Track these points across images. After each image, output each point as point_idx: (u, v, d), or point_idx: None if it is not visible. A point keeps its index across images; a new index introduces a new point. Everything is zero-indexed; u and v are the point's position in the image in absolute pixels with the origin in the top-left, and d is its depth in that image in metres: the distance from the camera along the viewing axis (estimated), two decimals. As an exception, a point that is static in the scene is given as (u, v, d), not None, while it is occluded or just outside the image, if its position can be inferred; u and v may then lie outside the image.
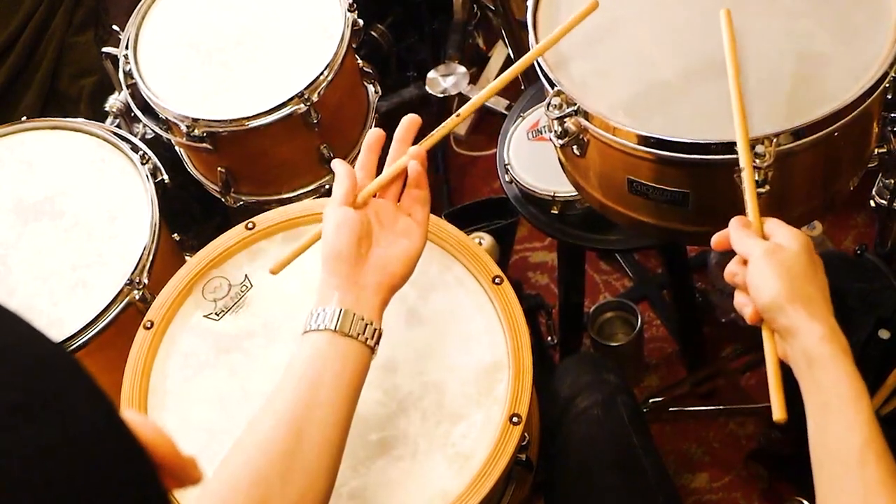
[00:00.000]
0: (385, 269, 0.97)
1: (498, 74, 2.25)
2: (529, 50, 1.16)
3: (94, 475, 0.41)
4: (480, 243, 1.35)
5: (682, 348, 1.87)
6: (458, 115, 1.08)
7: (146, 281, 1.33)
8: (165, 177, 1.46)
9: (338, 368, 0.90)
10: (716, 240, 0.95)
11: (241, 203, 1.62)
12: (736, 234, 0.93)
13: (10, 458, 0.38)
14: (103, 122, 1.61)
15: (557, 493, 1.24)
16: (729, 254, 0.94)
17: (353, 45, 1.55)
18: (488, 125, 2.19)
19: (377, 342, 0.94)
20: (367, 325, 0.93)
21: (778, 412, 0.87)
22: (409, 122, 1.05)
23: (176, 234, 1.57)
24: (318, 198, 1.59)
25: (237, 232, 1.22)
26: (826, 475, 0.83)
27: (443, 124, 1.07)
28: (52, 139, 1.51)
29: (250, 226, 1.22)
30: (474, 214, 1.60)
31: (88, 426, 0.42)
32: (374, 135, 1.05)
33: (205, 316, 1.17)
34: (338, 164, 1.03)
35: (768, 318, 0.89)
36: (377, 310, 0.95)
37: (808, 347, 0.85)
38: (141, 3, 1.60)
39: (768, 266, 0.87)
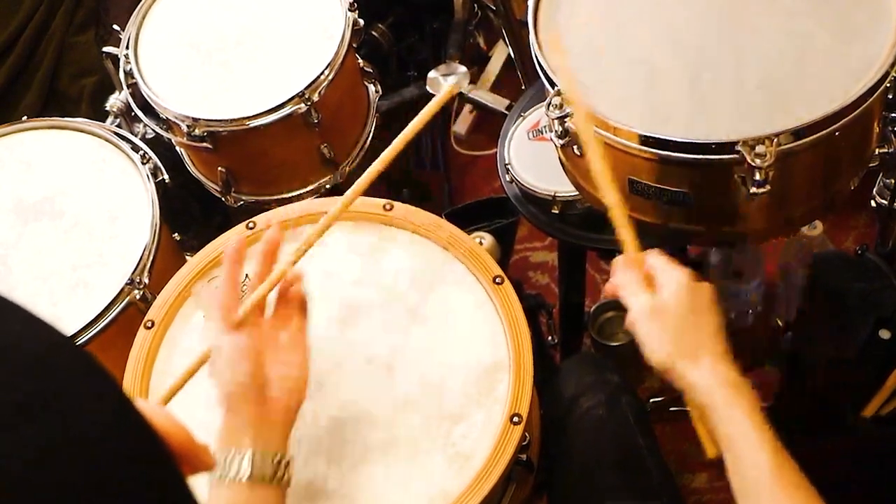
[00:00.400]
0: (289, 395, 0.92)
1: (499, 74, 2.26)
2: (530, 49, 1.16)
3: (98, 475, 0.40)
4: (481, 243, 1.35)
5: (683, 348, 1.87)
6: (342, 204, 1.02)
7: (147, 281, 1.32)
8: (166, 176, 1.46)
9: None
10: (607, 290, 0.98)
11: (242, 203, 1.62)
12: (619, 283, 0.95)
13: (11, 459, 0.37)
14: (104, 121, 1.61)
15: (560, 493, 1.24)
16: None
17: (354, 45, 1.55)
18: (489, 125, 2.19)
19: (290, 473, 0.90)
20: (281, 462, 0.88)
21: (709, 450, 0.94)
22: (273, 235, 0.99)
23: (176, 234, 1.57)
24: (318, 197, 1.59)
25: (238, 231, 1.22)
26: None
27: (325, 217, 1.02)
28: (52, 139, 1.51)
29: (251, 225, 1.22)
30: (475, 214, 1.60)
31: (92, 424, 0.41)
32: (234, 246, 0.96)
33: (205, 316, 1.17)
34: (200, 289, 0.98)
35: (664, 373, 0.93)
36: (286, 439, 0.91)
37: (703, 398, 0.90)
38: (141, 3, 1.60)
39: (651, 332, 0.91)
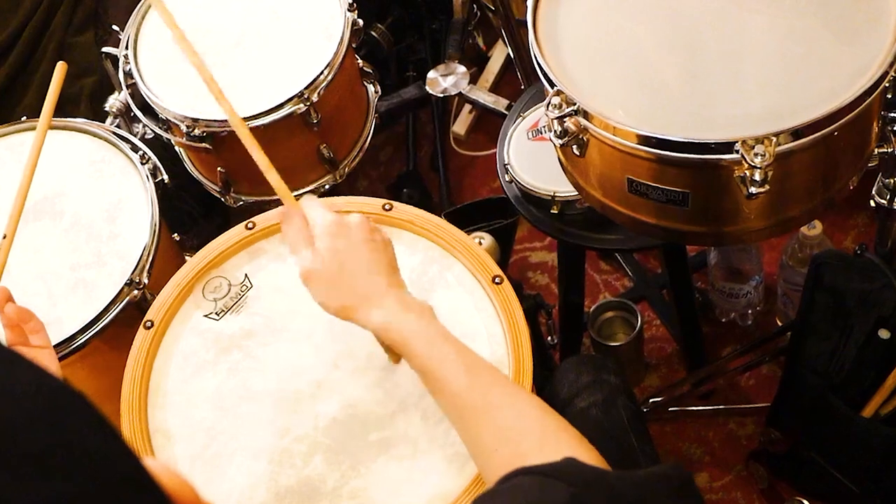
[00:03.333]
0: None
1: (498, 74, 2.26)
2: (530, 49, 1.16)
3: None
4: (480, 243, 1.35)
5: (682, 348, 1.87)
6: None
7: (146, 281, 1.33)
8: (165, 177, 1.46)
9: None
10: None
11: (241, 203, 1.63)
12: (287, 240, 0.97)
13: None
14: (103, 122, 1.61)
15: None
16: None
17: (353, 45, 1.56)
18: (488, 125, 2.19)
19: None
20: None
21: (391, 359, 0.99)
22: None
23: (176, 234, 1.57)
24: (318, 197, 1.59)
25: (237, 232, 1.22)
26: (461, 425, 0.90)
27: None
28: (52, 139, 1.51)
29: (250, 225, 1.22)
30: (474, 214, 1.60)
31: (107, 482, 0.39)
32: None
33: (205, 316, 1.17)
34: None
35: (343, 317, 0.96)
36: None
37: (389, 337, 0.93)
38: (141, 3, 1.60)
39: (316, 290, 0.94)
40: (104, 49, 1.64)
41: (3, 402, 0.38)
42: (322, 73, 1.47)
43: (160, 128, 1.58)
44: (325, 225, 0.95)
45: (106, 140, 1.49)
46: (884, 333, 1.31)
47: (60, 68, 1.37)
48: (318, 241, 0.95)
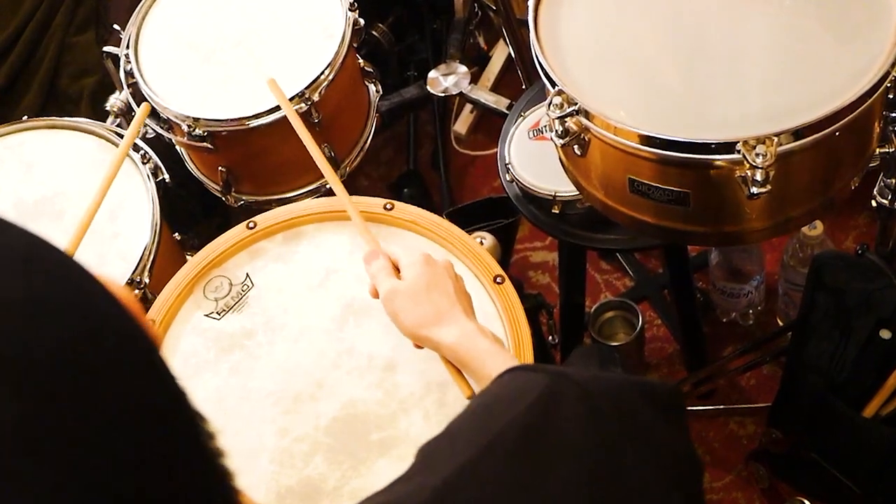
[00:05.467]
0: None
1: (499, 73, 2.26)
2: (531, 49, 1.16)
3: (111, 357, 0.40)
4: (482, 243, 1.35)
5: (683, 348, 1.87)
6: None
7: (147, 280, 1.33)
8: (166, 176, 1.46)
9: None
10: (371, 292, 1.03)
11: (242, 202, 1.62)
12: (371, 273, 1.03)
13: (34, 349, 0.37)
14: (104, 121, 1.60)
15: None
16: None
17: (354, 45, 1.55)
18: (489, 125, 2.19)
19: None
20: None
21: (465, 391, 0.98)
22: None
23: (177, 234, 1.57)
24: (318, 197, 1.59)
25: (238, 231, 1.22)
26: None
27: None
28: (52, 139, 1.51)
29: (251, 225, 1.22)
30: (475, 214, 1.60)
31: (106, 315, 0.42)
32: None
33: (206, 315, 1.17)
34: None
35: (418, 344, 0.99)
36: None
37: (454, 353, 0.94)
38: (142, 3, 1.60)
39: (394, 310, 0.98)
40: (105, 48, 1.64)
41: None
42: (323, 72, 1.47)
43: (161, 127, 1.58)
44: (414, 257, 1.01)
45: (107, 140, 1.49)
46: (885, 334, 1.32)
47: (145, 108, 1.41)
48: (405, 270, 1.00)
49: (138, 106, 1.59)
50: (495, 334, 0.96)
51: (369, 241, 1.09)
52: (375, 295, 1.02)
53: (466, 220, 1.50)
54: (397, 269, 1.02)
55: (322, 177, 1.60)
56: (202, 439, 0.44)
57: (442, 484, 0.59)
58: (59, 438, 0.37)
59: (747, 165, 1.00)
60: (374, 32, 2.06)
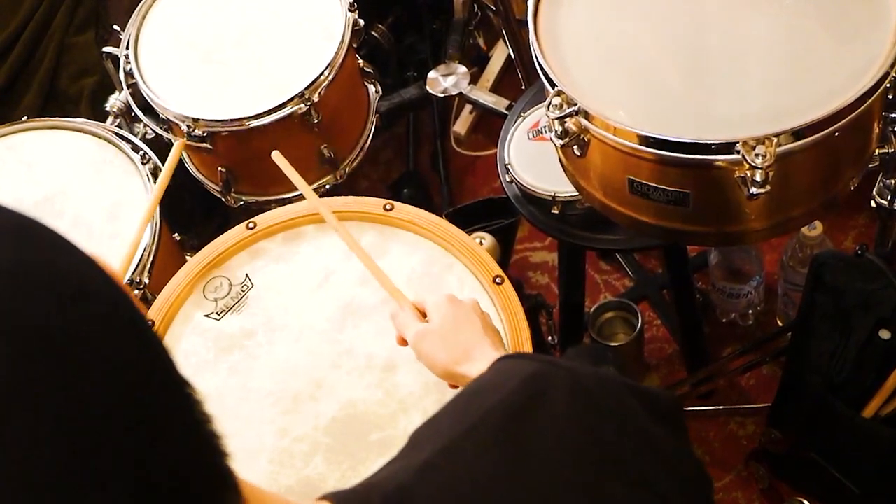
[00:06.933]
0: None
1: (499, 74, 2.26)
2: (530, 49, 1.16)
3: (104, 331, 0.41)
4: (481, 243, 1.35)
5: (683, 348, 1.87)
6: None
7: (147, 281, 1.33)
8: (166, 177, 1.46)
9: None
10: (398, 342, 1.03)
11: (242, 203, 1.62)
12: (399, 325, 1.02)
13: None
14: (104, 121, 1.61)
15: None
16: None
17: (354, 45, 1.55)
18: (488, 125, 2.19)
19: None
20: None
21: None
22: None
23: (177, 234, 1.57)
24: (319, 198, 1.59)
25: (238, 232, 1.22)
26: None
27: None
28: (52, 139, 1.51)
29: (251, 225, 1.22)
30: (475, 214, 1.60)
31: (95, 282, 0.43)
32: None
33: (206, 315, 1.17)
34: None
35: (453, 384, 0.99)
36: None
37: None
38: (141, 3, 1.60)
39: (425, 352, 0.97)
40: (105, 49, 1.64)
41: None
42: (323, 73, 1.47)
43: (161, 128, 1.58)
44: (439, 299, 1.00)
45: (107, 140, 1.49)
46: (884, 334, 1.31)
47: (179, 145, 1.44)
48: (431, 313, 0.99)
49: (138, 107, 1.59)
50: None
51: (391, 292, 1.07)
52: (403, 343, 1.01)
53: (466, 220, 1.50)
54: (423, 313, 1.01)
55: (321, 177, 1.61)
56: (190, 403, 0.45)
57: (424, 464, 0.59)
58: (50, 396, 0.38)
59: (747, 166, 1.00)
60: (373, 33, 2.06)
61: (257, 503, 0.51)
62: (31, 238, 0.43)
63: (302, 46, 1.53)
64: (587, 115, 1.09)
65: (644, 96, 1.12)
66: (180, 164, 1.66)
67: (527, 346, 1.06)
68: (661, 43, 1.16)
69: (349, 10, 1.52)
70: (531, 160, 1.45)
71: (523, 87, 1.88)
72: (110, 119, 1.65)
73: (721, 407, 1.83)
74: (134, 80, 1.54)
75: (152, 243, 1.36)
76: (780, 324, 1.86)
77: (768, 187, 1.01)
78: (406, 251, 1.18)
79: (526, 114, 1.51)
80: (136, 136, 1.57)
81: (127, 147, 1.46)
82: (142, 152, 1.45)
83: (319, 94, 1.47)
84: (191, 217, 1.87)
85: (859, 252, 1.34)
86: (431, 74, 1.78)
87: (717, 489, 1.75)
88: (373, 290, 1.16)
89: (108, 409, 0.39)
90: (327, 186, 1.61)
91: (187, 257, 1.40)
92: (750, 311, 1.89)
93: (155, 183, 1.42)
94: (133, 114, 1.61)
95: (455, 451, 0.60)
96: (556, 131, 1.12)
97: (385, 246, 1.19)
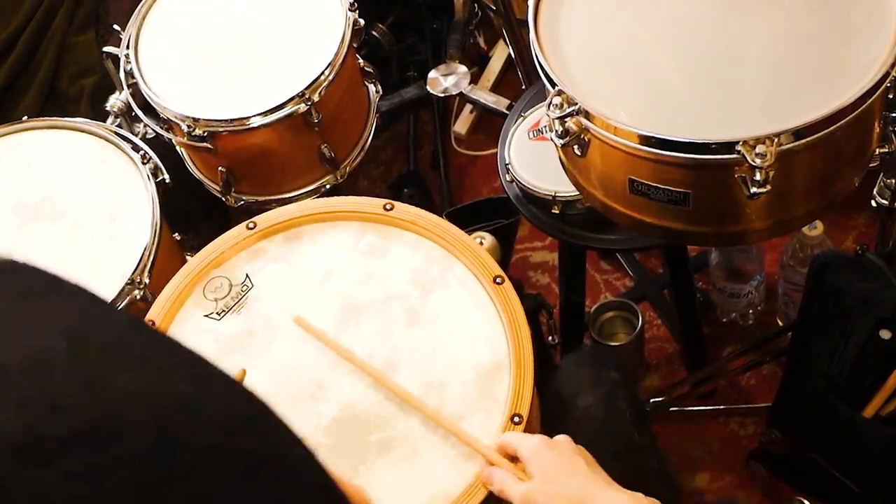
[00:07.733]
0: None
1: (499, 74, 2.26)
2: (531, 49, 1.16)
3: None
4: (481, 243, 1.35)
5: (683, 348, 1.87)
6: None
7: (147, 281, 1.32)
8: (166, 176, 1.46)
9: None
10: (495, 493, 0.97)
11: (242, 203, 1.62)
12: (498, 486, 0.96)
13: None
14: (104, 121, 1.60)
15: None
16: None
17: (354, 45, 1.55)
18: (489, 125, 2.19)
19: None
20: None
21: None
22: None
23: (177, 234, 1.57)
24: (318, 197, 1.59)
25: (238, 232, 1.22)
26: None
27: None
28: (52, 139, 1.51)
29: (251, 225, 1.22)
30: (475, 214, 1.60)
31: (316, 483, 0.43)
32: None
33: (206, 316, 1.17)
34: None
35: None
36: None
37: None
38: (141, 3, 1.60)
39: None
40: (105, 49, 1.64)
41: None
42: (323, 72, 1.47)
43: (161, 127, 1.58)
44: (533, 447, 0.95)
45: (107, 140, 1.49)
46: (885, 334, 1.31)
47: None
48: (529, 466, 0.94)
49: (139, 106, 1.59)
50: (635, 494, 0.92)
51: (479, 451, 1.01)
52: (499, 493, 0.96)
53: (466, 220, 1.50)
54: (513, 459, 0.97)
55: (322, 176, 1.61)
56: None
57: None
58: None
59: (747, 165, 1.00)
60: (374, 32, 2.06)
61: None
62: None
63: (302, 46, 1.53)
64: (588, 115, 1.09)
65: (645, 96, 1.12)
66: (181, 164, 1.66)
67: (527, 347, 1.06)
68: (662, 42, 1.16)
69: (349, 10, 1.52)
70: (531, 160, 1.45)
71: (524, 87, 1.88)
72: (110, 119, 1.65)
73: (721, 407, 1.83)
74: (134, 80, 1.54)
75: (153, 243, 1.36)
76: (780, 324, 1.86)
77: (768, 187, 1.01)
78: (406, 251, 1.18)
79: (526, 113, 1.51)
80: (136, 135, 1.57)
81: (127, 147, 1.46)
82: (142, 152, 1.45)
83: (320, 93, 1.47)
84: (191, 217, 1.87)
85: (859, 252, 1.33)
86: (432, 74, 1.78)
87: (717, 489, 1.75)
88: (373, 290, 1.16)
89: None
90: (327, 186, 1.61)
91: (187, 257, 1.40)
92: (750, 311, 1.88)
93: (154, 182, 1.41)
94: (133, 114, 1.61)
95: None
96: (556, 131, 1.12)
97: (385, 246, 1.19)
